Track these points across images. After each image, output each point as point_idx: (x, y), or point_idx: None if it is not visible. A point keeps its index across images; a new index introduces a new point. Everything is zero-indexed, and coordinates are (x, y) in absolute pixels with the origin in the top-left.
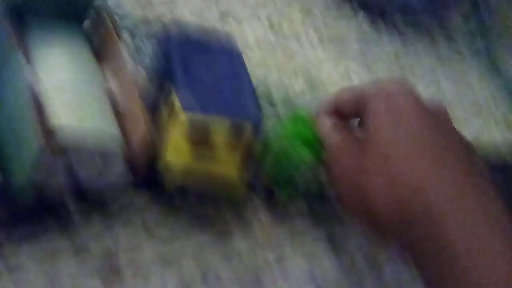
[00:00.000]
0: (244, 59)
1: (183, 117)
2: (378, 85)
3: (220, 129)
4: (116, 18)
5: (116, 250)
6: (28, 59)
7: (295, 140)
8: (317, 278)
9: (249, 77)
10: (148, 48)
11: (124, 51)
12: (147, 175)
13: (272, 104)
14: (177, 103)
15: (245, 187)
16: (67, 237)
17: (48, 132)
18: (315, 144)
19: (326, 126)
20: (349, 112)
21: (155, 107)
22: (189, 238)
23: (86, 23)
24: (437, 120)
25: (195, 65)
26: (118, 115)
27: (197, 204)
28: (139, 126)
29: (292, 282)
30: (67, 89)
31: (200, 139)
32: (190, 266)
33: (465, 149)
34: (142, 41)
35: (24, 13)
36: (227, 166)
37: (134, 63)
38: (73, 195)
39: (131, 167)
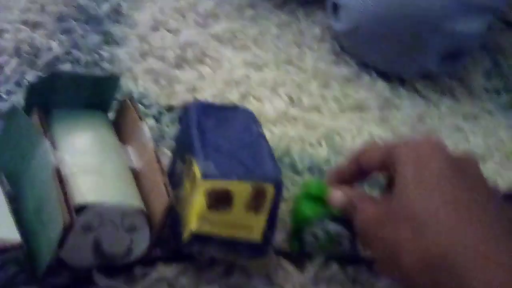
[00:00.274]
0: (266, 133)
1: (202, 184)
2: (407, 139)
3: (241, 193)
4: (142, 107)
5: None
6: (54, 146)
7: (303, 198)
8: None
9: (267, 144)
10: (173, 133)
11: (146, 132)
12: (174, 247)
13: (298, 172)
14: (197, 172)
15: (272, 252)
16: None
17: (72, 210)
18: (323, 202)
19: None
20: (373, 165)
21: (179, 182)
22: None
23: (111, 111)
24: (465, 171)
25: (214, 134)
26: (142, 189)
27: (226, 273)
28: (161, 198)
29: None
30: (92, 170)
31: (222, 206)
32: None
33: (493, 200)
34: (167, 126)
35: (50, 105)
36: (251, 230)
37: (158, 145)
38: (101, 271)
39: (158, 240)
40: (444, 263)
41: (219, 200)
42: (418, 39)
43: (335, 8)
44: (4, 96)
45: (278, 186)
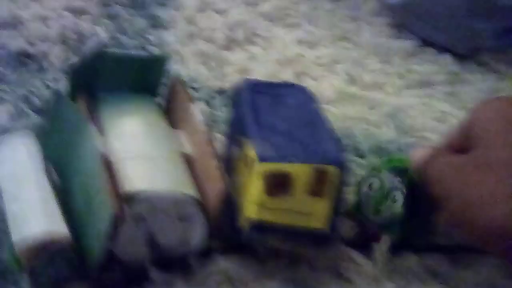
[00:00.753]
0: (325, 113)
1: (259, 168)
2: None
3: (302, 176)
4: (192, 91)
5: None
6: (101, 131)
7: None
8: None
9: (327, 122)
10: (226, 117)
11: (197, 115)
12: (232, 237)
13: (361, 156)
14: (252, 154)
15: (339, 241)
16: None
17: (122, 199)
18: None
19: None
20: (460, 144)
21: (235, 167)
22: None
23: (160, 94)
24: None
25: (269, 114)
26: (195, 176)
27: (290, 266)
28: (216, 185)
29: None
30: (142, 156)
31: (281, 190)
32: None
33: None
34: (220, 110)
35: (96, 89)
36: (314, 217)
37: (210, 130)
38: (155, 264)
39: (214, 231)
40: None
41: (278, 185)
42: (472, 15)
43: None
44: (50, 83)
45: (342, 168)
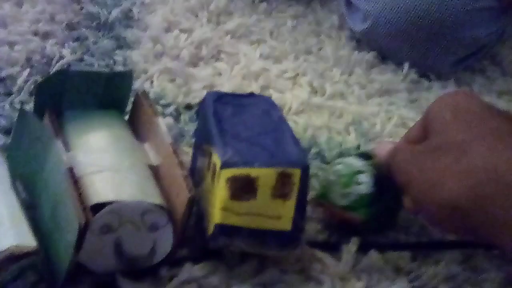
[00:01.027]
0: (290, 124)
1: (224, 173)
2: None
3: (266, 180)
4: (160, 107)
5: None
6: (67, 146)
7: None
8: None
9: (290, 128)
10: (192, 131)
11: (162, 126)
12: (201, 245)
13: (327, 162)
14: (216, 161)
15: (305, 243)
16: None
17: (88, 210)
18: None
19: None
20: (419, 136)
21: (202, 177)
22: None
23: (127, 110)
24: (499, 111)
25: (232, 122)
26: (162, 186)
27: (259, 269)
28: (183, 193)
29: None
30: (108, 169)
31: (246, 195)
32: None
33: None
34: (186, 124)
35: (62, 107)
36: (280, 219)
37: (178, 144)
38: (125, 274)
39: (183, 239)
40: (494, 184)
41: (243, 189)
42: (435, 44)
43: (349, 4)
44: (18, 106)
45: (305, 170)
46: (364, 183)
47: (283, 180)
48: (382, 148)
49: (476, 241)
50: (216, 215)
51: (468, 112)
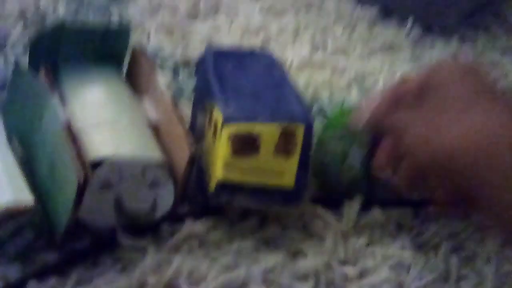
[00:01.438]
0: (292, 79)
1: (226, 129)
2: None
3: (269, 136)
4: (158, 63)
5: (178, 283)
6: (63, 101)
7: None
8: None
9: (293, 84)
10: (191, 87)
11: (160, 81)
12: (202, 202)
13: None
14: (218, 117)
15: (308, 199)
16: (124, 275)
17: (87, 165)
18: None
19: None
20: (414, 96)
21: (202, 134)
22: (256, 262)
23: (124, 64)
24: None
25: (233, 78)
26: (162, 143)
27: (261, 226)
28: (183, 149)
29: None
30: (106, 123)
31: (249, 151)
32: None
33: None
34: (185, 81)
35: (58, 61)
36: (282, 175)
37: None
38: (125, 230)
39: (184, 196)
40: (490, 146)
41: (245, 145)
42: None
43: None
44: (12, 61)
45: (309, 126)
46: (357, 165)
47: (286, 136)
48: (372, 108)
49: (454, 203)
50: (218, 172)
51: (468, 74)
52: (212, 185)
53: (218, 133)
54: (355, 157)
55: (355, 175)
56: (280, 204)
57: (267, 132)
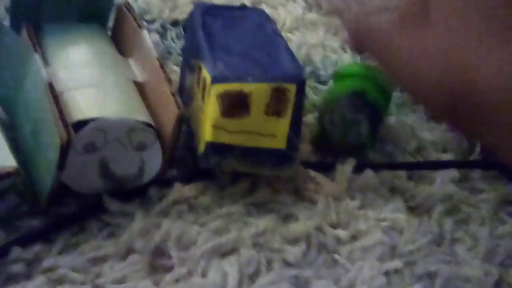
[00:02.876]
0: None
1: (214, 89)
2: None
3: (259, 95)
4: (144, 23)
5: (167, 248)
6: (46, 61)
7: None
8: (402, 253)
9: (285, 42)
10: (180, 48)
11: (147, 40)
12: (191, 165)
13: (322, 82)
14: (206, 76)
15: (299, 163)
16: (111, 241)
17: (69, 126)
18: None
19: None
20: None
21: (191, 96)
22: (246, 227)
23: (109, 23)
24: None
25: (223, 35)
26: (149, 104)
27: (252, 190)
28: (171, 111)
29: (372, 259)
30: (90, 85)
31: (239, 111)
32: (252, 254)
33: None
34: (173, 41)
35: (40, 21)
36: (274, 137)
37: (165, 60)
38: (112, 195)
39: (172, 160)
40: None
41: (235, 105)
42: None
43: None
44: None
45: (301, 85)
46: (363, 133)
47: (277, 96)
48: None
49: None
50: (207, 133)
51: None
52: (201, 147)
53: (206, 93)
54: (363, 124)
55: (360, 143)
56: (272, 167)
57: (258, 91)
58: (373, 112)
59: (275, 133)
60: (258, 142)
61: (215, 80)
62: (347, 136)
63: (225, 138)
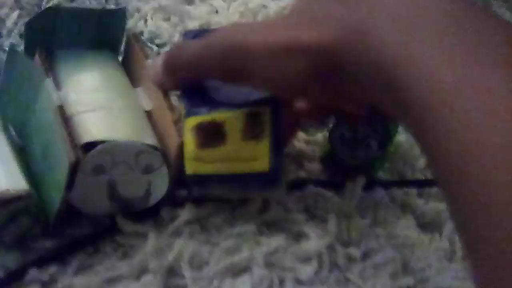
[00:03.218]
0: None
1: (188, 122)
2: None
3: (234, 123)
4: (155, 47)
5: (180, 268)
6: (58, 85)
7: None
8: (414, 270)
9: None
10: None
11: None
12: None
13: None
14: (182, 112)
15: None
16: (125, 262)
17: (78, 147)
18: None
19: None
20: None
21: None
22: (258, 246)
23: (121, 49)
24: None
25: None
26: (155, 130)
27: (263, 209)
28: (173, 137)
29: (384, 277)
30: (101, 108)
31: (215, 141)
32: (264, 273)
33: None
34: None
35: (53, 46)
36: (255, 161)
37: None
38: (125, 216)
39: (180, 182)
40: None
41: (210, 136)
42: None
43: None
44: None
45: (276, 107)
46: (373, 147)
47: (253, 120)
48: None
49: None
50: (187, 166)
51: None
52: (188, 179)
53: (184, 128)
54: (373, 139)
55: (370, 160)
56: (259, 190)
57: (230, 119)
58: (382, 129)
59: (256, 156)
60: (240, 167)
61: (188, 113)
62: (357, 151)
63: (205, 169)
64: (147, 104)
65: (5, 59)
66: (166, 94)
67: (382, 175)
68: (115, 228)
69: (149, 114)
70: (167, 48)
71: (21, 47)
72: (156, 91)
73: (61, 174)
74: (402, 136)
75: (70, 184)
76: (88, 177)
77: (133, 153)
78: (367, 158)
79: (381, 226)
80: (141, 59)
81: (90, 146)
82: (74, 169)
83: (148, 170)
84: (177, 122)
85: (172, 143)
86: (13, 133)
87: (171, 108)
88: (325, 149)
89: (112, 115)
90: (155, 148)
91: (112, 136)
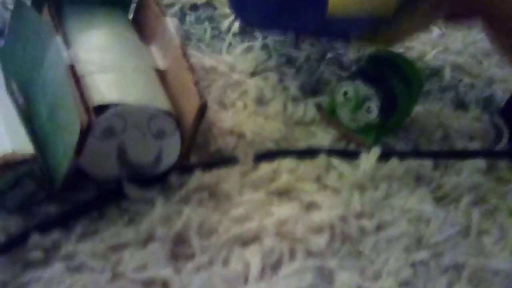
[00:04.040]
0: None
1: None
2: None
3: None
4: (164, 6)
5: (188, 235)
6: (67, 43)
7: None
8: (428, 244)
9: None
10: (199, 33)
11: (171, 27)
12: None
13: (344, 69)
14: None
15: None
16: (131, 228)
17: (90, 111)
18: None
19: None
20: None
21: None
22: (268, 215)
23: (131, 8)
24: None
25: None
26: (170, 92)
27: (273, 177)
28: (193, 99)
29: (398, 250)
30: (111, 69)
31: None
32: (274, 243)
33: None
34: (192, 26)
35: (62, 2)
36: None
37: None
38: (132, 181)
39: (192, 145)
40: None
41: None
42: None
43: None
44: (10, 7)
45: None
46: (373, 111)
47: None
48: None
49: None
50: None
51: None
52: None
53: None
54: (374, 101)
55: (369, 123)
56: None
57: None
58: (388, 95)
59: None
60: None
61: None
62: (357, 112)
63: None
64: (162, 63)
65: (13, 12)
66: (185, 53)
67: (396, 145)
68: (121, 193)
69: (164, 73)
70: (175, 8)
71: (28, 1)
72: (173, 50)
73: (70, 137)
74: (418, 107)
75: (80, 147)
76: (98, 141)
77: (146, 117)
78: (367, 119)
79: (395, 198)
80: (158, 15)
81: (101, 108)
82: (85, 132)
83: (160, 135)
84: (197, 83)
85: (192, 104)
86: (17, 90)
87: (191, 68)
88: (329, 102)
89: (125, 77)
90: (169, 113)
91: (125, 99)
